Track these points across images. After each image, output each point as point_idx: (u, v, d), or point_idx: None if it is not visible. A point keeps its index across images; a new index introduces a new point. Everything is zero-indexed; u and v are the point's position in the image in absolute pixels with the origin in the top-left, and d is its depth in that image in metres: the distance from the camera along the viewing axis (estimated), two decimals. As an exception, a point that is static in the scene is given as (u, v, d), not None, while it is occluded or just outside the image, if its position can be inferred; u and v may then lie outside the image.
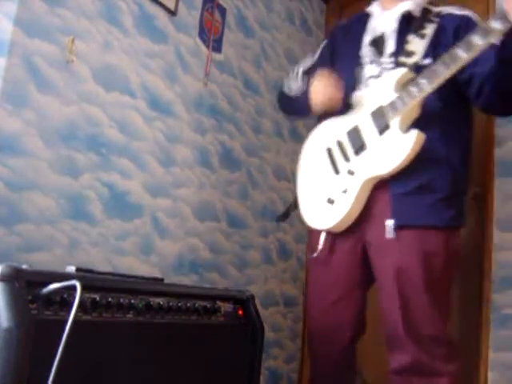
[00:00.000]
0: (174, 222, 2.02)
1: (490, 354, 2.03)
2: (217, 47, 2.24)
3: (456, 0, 2.58)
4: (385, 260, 1.54)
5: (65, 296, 1.07)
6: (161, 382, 1.29)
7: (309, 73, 1.79)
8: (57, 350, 0.98)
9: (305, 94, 1.71)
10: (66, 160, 1.63)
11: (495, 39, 1.35)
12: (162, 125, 1.98)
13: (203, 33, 2.18)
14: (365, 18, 1.75)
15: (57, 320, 1.04)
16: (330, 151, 1.66)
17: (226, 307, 1.55)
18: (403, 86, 1.50)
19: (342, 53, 1.77)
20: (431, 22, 1.61)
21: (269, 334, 2.34)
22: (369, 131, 1.56)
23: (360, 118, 1.60)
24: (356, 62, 1.67)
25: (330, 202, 1.61)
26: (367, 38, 1.68)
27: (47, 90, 1.58)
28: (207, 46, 2.19)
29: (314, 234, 1.70)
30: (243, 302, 1.63)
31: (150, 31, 1.94)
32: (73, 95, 1.65)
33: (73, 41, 1.64)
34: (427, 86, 1.44)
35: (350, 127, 1.62)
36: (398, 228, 1.50)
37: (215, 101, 2.24)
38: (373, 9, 1.75)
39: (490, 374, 2.01)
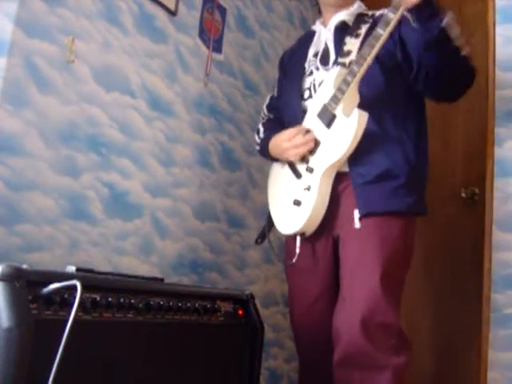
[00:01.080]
0: (174, 221, 2.02)
1: (489, 354, 2.02)
2: (217, 47, 2.24)
3: (454, 0, 2.59)
4: (347, 249, 1.60)
5: (65, 296, 1.07)
6: (161, 382, 1.30)
7: (271, 108, 1.94)
8: (57, 350, 0.98)
9: (261, 144, 1.86)
10: (66, 160, 1.63)
11: (405, 10, 1.45)
12: (162, 125, 1.98)
13: (203, 33, 2.18)
14: (310, 36, 1.85)
15: (57, 320, 1.04)
16: (290, 162, 1.74)
17: (225, 307, 1.55)
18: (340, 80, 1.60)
19: (289, 71, 1.88)
20: (366, 22, 1.70)
21: (269, 334, 2.34)
22: (319, 129, 1.65)
23: (309, 121, 1.70)
24: (302, 72, 1.78)
25: (297, 203, 1.67)
26: (311, 52, 1.79)
27: (47, 90, 1.58)
28: (207, 46, 2.19)
29: (289, 242, 1.77)
30: (243, 301, 1.63)
31: (150, 31, 1.94)
32: (73, 95, 1.65)
33: (73, 41, 1.64)
34: (357, 69, 1.54)
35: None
36: (363, 217, 1.55)
37: (215, 101, 2.24)
38: (316, 27, 1.85)
39: (489, 374, 2.01)
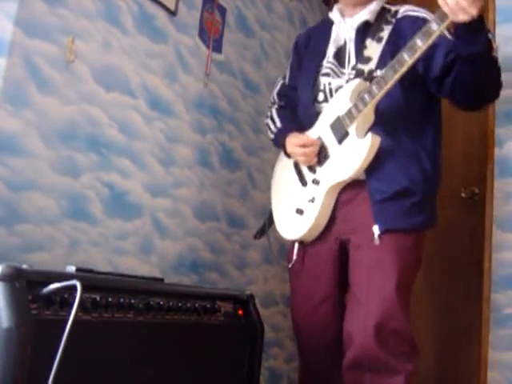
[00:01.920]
0: (174, 221, 2.02)
1: (489, 354, 2.03)
2: (217, 47, 2.24)
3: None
4: (362, 255, 1.59)
5: (65, 296, 1.07)
6: (161, 382, 1.30)
7: (281, 95, 1.90)
8: (57, 350, 0.98)
9: (278, 135, 1.81)
10: (65, 160, 1.63)
11: (435, 40, 1.42)
12: (162, 125, 1.98)
13: (203, 33, 2.18)
14: (327, 25, 1.78)
15: (57, 320, 1.04)
16: (296, 165, 1.75)
17: (226, 307, 1.55)
18: (358, 95, 1.58)
19: (305, 63, 1.82)
20: (388, 23, 1.65)
21: (269, 334, 2.34)
22: (330, 141, 1.65)
23: (321, 130, 1.69)
24: (318, 73, 1.72)
25: (299, 212, 1.69)
26: (331, 50, 1.73)
27: (47, 90, 1.58)
28: (207, 46, 2.19)
29: (290, 246, 1.78)
30: (243, 302, 1.63)
31: (150, 31, 1.94)
32: (73, 95, 1.65)
33: (73, 41, 1.64)
34: (377, 91, 1.52)
35: None
36: (382, 233, 1.56)
37: (215, 101, 2.24)
38: (333, 16, 1.77)
39: (489, 374, 2.01)
